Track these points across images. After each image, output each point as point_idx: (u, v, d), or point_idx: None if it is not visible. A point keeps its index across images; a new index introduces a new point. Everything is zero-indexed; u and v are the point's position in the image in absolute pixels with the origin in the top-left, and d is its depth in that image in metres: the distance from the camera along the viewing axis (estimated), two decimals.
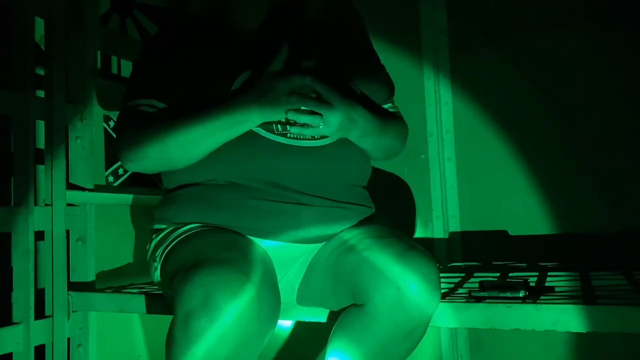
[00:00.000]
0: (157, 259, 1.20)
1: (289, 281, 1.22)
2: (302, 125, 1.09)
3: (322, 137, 1.17)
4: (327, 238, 1.19)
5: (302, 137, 1.16)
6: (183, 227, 1.19)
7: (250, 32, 1.27)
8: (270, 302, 0.98)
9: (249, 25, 1.28)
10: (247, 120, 1.10)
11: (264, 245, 1.13)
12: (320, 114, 1.07)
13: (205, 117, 1.10)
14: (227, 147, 1.14)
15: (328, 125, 1.09)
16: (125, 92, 1.25)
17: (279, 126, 1.16)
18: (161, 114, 1.18)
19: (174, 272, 1.06)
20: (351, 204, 1.20)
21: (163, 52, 1.24)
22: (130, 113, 1.20)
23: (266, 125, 1.15)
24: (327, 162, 1.18)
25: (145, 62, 1.27)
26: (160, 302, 1.32)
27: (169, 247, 1.17)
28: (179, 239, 1.16)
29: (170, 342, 0.94)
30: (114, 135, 1.73)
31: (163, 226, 1.24)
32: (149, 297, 1.37)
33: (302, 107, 1.06)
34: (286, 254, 1.17)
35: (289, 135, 1.15)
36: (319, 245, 1.20)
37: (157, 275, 1.21)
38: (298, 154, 1.15)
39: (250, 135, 1.14)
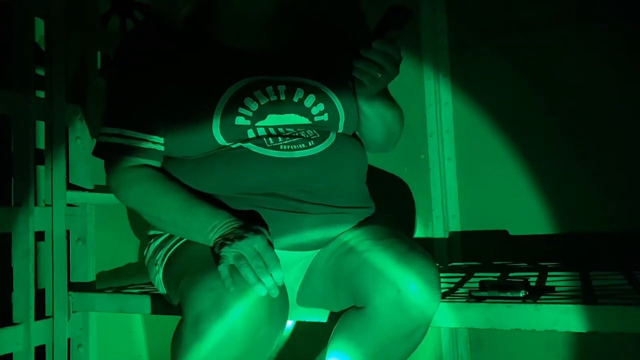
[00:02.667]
0: (159, 262, 1.19)
1: (288, 284, 1.21)
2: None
3: (314, 145, 1.15)
4: (326, 243, 1.18)
5: (294, 147, 1.14)
6: None
7: (234, 39, 1.20)
8: (281, 303, 0.98)
9: (232, 30, 1.21)
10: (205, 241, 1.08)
11: None
12: (382, 67, 1.11)
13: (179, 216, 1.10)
14: (220, 166, 1.12)
15: (385, 76, 1.14)
16: (103, 112, 1.21)
17: (270, 139, 1.13)
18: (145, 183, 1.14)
19: (180, 274, 1.05)
20: (351, 208, 1.19)
21: (133, 69, 1.17)
22: (109, 147, 1.16)
23: (257, 140, 1.12)
24: (324, 169, 1.15)
25: (117, 81, 1.21)
26: (161, 302, 1.32)
27: (171, 250, 1.16)
28: (180, 242, 1.16)
29: (179, 344, 0.94)
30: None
31: (161, 232, 1.23)
32: (149, 297, 1.37)
33: None
34: (284, 260, 1.16)
35: (281, 147, 1.13)
36: (317, 249, 1.20)
37: (158, 279, 1.20)
38: (293, 165, 1.12)
39: (243, 151, 1.12)
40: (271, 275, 0.96)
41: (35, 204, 1.40)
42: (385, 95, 1.25)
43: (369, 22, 1.96)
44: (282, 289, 1.00)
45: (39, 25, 1.49)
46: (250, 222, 1.05)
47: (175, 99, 1.14)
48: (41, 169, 1.46)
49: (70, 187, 1.50)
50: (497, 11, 1.82)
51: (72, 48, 1.53)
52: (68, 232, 1.49)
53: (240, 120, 1.12)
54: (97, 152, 1.20)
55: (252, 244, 0.98)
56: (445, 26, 1.88)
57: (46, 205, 1.43)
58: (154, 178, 1.14)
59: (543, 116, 1.75)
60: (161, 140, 1.16)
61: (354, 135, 1.29)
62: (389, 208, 1.39)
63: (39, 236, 1.43)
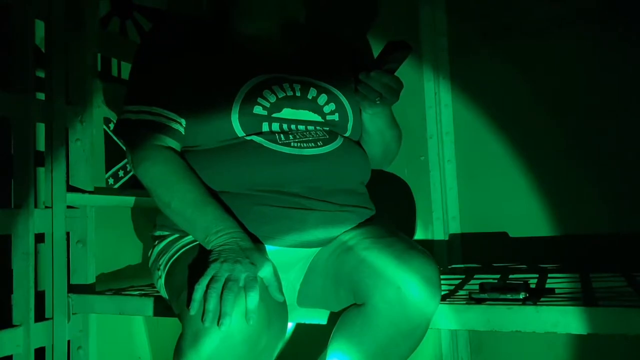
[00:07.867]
0: (162, 267, 1.19)
1: (289, 282, 1.22)
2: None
3: (322, 145, 1.18)
4: (329, 241, 1.19)
5: (304, 146, 1.17)
6: (187, 235, 1.18)
7: (251, 39, 1.27)
8: (279, 314, 0.98)
9: (249, 31, 1.28)
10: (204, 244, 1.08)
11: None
12: (381, 95, 1.19)
13: (189, 215, 1.10)
14: (231, 159, 1.15)
15: (384, 103, 1.22)
16: (126, 92, 1.23)
17: (281, 136, 1.17)
18: (169, 164, 1.15)
19: (180, 287, 1.05)
20: (354, 207, 1.21)
21: (162, 52, 1.23)
22: (136, 123, 1.18)
23: (270, 136, 1.16)
24: (330, 168, 1.18)
25: (144, 62, 1.25)
26: (161, 305, 1.32)
27: (174, 257, 1.16)
28: (184, 249, 1.16)
29: (180, 356, 0.94)
30: (115, 138, 1.73)
31: (165, 233, 1.23)
32: (149, 299, 1.37)
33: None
34: (287, 258, 1.16)
35: (292, 144, 1.16)
36: (319, 248, 1.20)
37: (161, 284, 1.21)
38: (302, 162, 1.15)
39: (254, 146, 1.15)
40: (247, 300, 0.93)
41: (35, 206, 1.40)
42: (387, 114, 1.30)
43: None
44: (281, 292, 1.00)
45: (39, 27, 1.49)
46: (254, 247, 1.04)
47: (199, 85, 1.18)
48: (41, 170, 1.46)
49: (70, 189, 1.50)
50: (497, 12, 1.82)
51: (72, 50, 1.53)
52: (68, 234, 1.49)
53: (258, 110, 1.17)
54: (122, 128, 1.20)
55: (245, 271, 0.96)
56: (445, 27, 1.88)
57: (46, 207, 1.43)
58: (177, 164, 1.15)
59: (543, 118, 1.75)
60: (184, 122, 1.18)
61: (359, 144, 1.32)
62: (389, 210, 1.39)
63: (39, 238, 1.42)
